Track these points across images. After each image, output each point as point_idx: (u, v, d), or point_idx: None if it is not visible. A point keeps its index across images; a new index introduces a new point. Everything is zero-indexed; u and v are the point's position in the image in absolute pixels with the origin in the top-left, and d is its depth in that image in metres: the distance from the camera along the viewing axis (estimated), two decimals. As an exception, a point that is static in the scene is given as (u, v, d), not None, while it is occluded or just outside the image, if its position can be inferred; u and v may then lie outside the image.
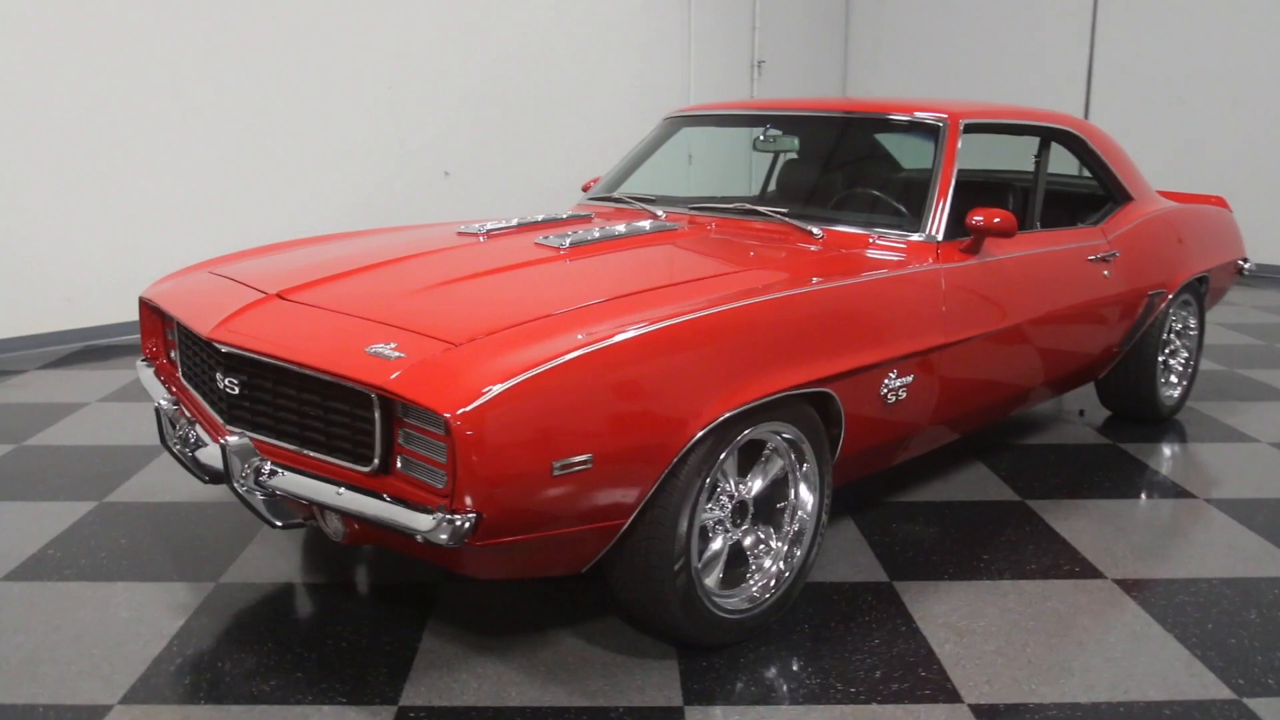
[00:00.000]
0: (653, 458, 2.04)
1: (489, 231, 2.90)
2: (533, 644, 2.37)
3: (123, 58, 5.19)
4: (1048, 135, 3.59)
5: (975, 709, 2.14)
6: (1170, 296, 3.81)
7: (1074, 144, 3.69)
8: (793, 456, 2.44)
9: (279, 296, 2.36)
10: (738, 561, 2.44)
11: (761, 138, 3.45)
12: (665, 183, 3.69)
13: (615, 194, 3.54)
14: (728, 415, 2.13)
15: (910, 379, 2.66)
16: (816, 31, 9.22)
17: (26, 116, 4.95)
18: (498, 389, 1.86)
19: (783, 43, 8.85)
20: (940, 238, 2.88)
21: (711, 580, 2.32)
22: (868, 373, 2.52)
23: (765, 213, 3.05)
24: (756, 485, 2.41)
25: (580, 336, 2.00)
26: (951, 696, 2.18)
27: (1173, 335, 4.05)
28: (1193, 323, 4.13)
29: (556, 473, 1.91)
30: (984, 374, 3.00)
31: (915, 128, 3.15)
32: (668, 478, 2.11)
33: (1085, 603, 2.61)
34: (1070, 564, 2.83)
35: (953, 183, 2.99)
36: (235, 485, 2.15)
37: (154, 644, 2.35)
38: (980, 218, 2.86)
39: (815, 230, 2.92)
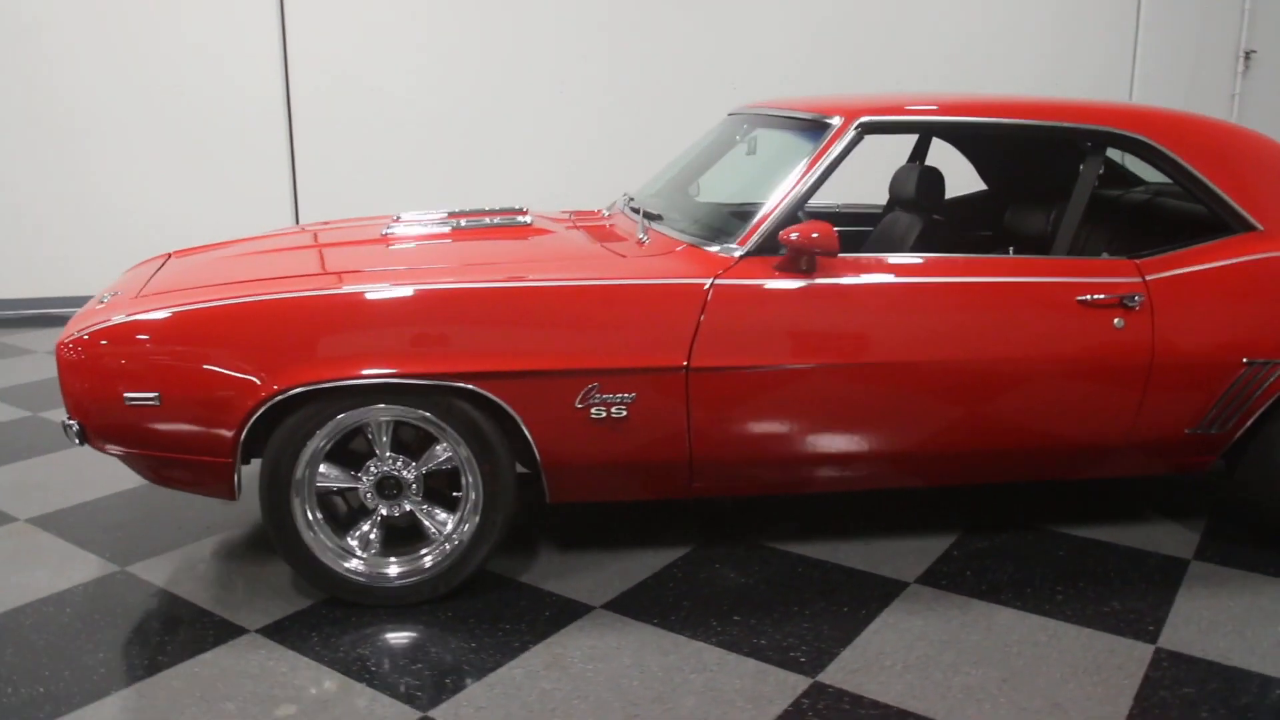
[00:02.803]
0: (222, 411, 2.37)
1: (400, 218, 3.28)
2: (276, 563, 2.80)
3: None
4: (1100, 140, 2.78)
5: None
6: (1302, 372, 2.67)
7: (1147, 153, 2.77)
8: (460, 450, 2.50)
9: (168, 255, 3.11)
10: (416, 536, 2.60)
11: (739, 139, 3.25)
12: (719, 186, 3.61)
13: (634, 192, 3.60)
14: (301, 389, 2.35)
15: (630, 397, 2.47)
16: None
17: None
18: (87, 331, 2.40)
19: (1291, 30, 7.02)
20: (742, 251, 2.56)
21: (354, 541, 2.53)
22: (547, 379, 2.44)
23: (642, 215, 2.95)
24: (414, 467, 2.52)
25: (180, 303, 2.43)
26: (427, 705, 2.14)
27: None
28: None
29: (128, 402, 2.37)
30: (807, 413, 2.57)
31: (811, 127, 2.77)
32: (267, 432, 2.42)
33: (732, 688, 2.21)
34: (806, 654, 2.34)
35: (794, 193, 2.61)
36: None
37: (91, 495, 3.27)
38: (795, 233, 2.48)
39: (641, 235, 2.79)
